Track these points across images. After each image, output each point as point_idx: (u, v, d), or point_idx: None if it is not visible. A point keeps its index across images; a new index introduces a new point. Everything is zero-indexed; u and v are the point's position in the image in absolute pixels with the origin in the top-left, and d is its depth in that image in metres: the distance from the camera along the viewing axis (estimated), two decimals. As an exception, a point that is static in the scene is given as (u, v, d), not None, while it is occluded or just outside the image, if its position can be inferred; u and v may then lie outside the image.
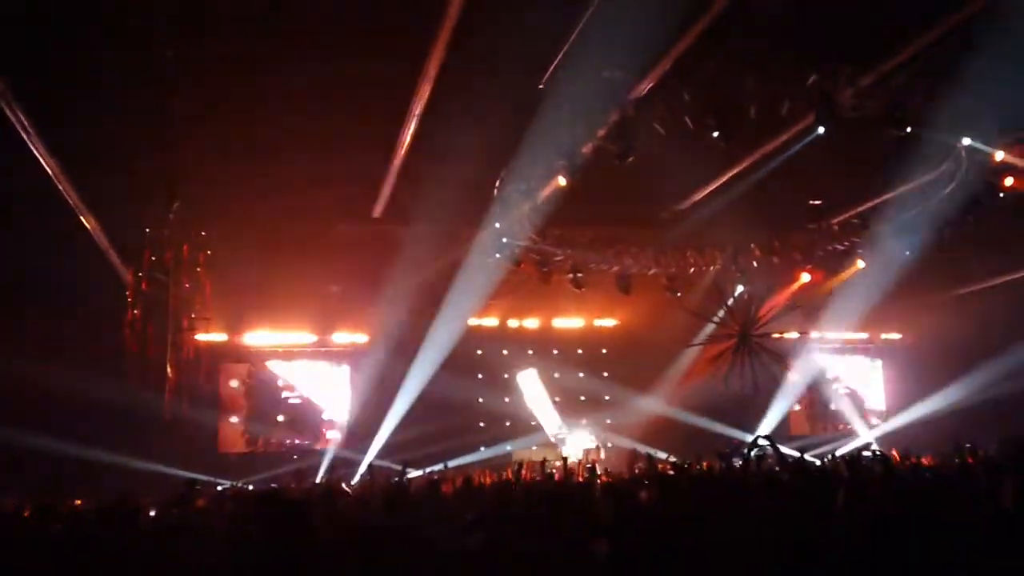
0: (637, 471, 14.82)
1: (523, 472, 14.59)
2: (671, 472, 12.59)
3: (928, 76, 13.76)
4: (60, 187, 14.84)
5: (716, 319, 18.75)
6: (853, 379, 27.67)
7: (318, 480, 17.64)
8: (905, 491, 8.16)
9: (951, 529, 5.81)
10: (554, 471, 15.26)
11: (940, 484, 8.27)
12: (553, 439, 23.40)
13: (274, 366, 22.80)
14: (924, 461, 14.81)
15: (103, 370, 16.68)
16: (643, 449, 18.42)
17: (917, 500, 7.49)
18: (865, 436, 24.97)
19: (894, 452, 16.54)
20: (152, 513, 9.47)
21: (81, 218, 15.99)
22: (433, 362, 20.70)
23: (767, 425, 23.28)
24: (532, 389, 24.23)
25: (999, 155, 16.51)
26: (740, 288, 22.10)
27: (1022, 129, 15.89)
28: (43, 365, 15.47)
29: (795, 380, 24.82)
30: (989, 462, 10.70)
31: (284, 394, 22.69)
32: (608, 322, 25.59)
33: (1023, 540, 5.58)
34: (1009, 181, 17.14)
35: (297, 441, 22.26)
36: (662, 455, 18.31)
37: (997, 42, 12.23)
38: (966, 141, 16.32)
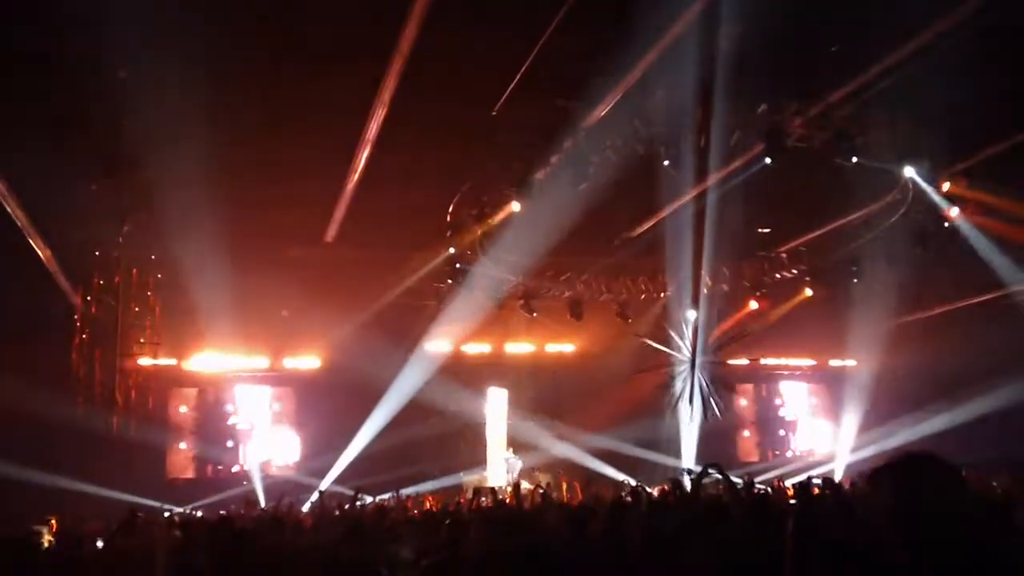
0: (592, 496, 14.83)
1: (475, 500, 14.54)
2: (628, 498, 12.58)
3: (875, 108, 14.05)
4: (8, 208, 14.63)
5: (666, 346, 18.88)
6: (801, 406, 27.90)
7: (267, 506, 17.41)
8: (854, 518, 8.26)
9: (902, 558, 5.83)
10: (506, 497, 15.21)
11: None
12: (505, 463, 23.28)
13: (223, 391, 22.53)
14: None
15: (50, 394, 16.41)
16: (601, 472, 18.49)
17: (866, 527, 7.58)
18: (814, 463, 25.13)
19: (845, 480, 16.67)
20: (99, 542, 9.30)
21: (29, 240, 15.75)
22: (385, 387, 20.59)
23: (714, 452, 23.30)
24: (497, 408, 24.17)
25: (945, 186, 16.85)
26: (690, 315, 22.27)
27: (966, 159, 16.21)
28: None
29: (744, 407, 25.06)
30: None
31: (233, 419, 22.40)
32: (565, 347, 25.44)
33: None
34: (955, 211, 17.48)
35: (246, 467, 21.97)
36: (619, 478, 18.36)
37: (943, 75, 12.53)
38: (912, 172, 16.65)
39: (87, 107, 12.84)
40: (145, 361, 20.41)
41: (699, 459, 21.23)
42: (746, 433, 26.47)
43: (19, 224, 15.16)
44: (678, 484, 10.18)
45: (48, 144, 13.31)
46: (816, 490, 11.17)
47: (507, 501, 14.27)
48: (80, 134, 13.36)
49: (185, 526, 11.54)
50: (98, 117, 13.17)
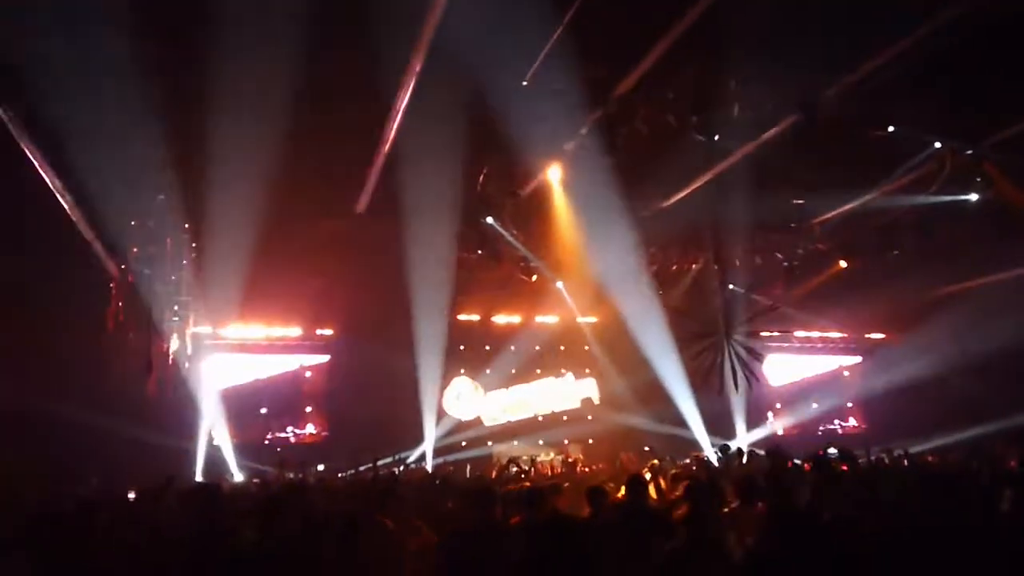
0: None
1: (505, 468, 14.73)
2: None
3: (912, 78, 13.83)
4: (45, 177, 14.78)
5: (697, 318, 18.80)
6: (831, 379, 27.68)
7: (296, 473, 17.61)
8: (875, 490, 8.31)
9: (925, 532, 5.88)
10: (532, 468, 15.38)
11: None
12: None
13: (257, 358, 22.78)
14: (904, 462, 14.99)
15: (86, 363, 16.68)
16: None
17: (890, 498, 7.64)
18: (842, 437, 25.04)
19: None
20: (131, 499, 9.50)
21: (66, 209, 15.92)
22: (414, 356, 20.76)
23: (745, 427, 23.26)
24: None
25: (981, 159, 16.65)
26: (722, 287, 22.15)
27: (1004, 131, 15.96)
28: (25, 358, 15.37)
29: (774, 379, 24.94)
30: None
31: (266, 385, 22.64)
32: (591, 319, 25.34)
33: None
34: (990, 184, 17.27)
35: (279, 433, 22.24)
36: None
37: (981, 46, 12.35)
38: (949, 143, 16.45)
39: (127, 74, 12.88)
40: (180, 330, 20.70)
41: (728, 433, 21.28)
42: (777, 405, 26.32)
43: (56, 193, 15.30)
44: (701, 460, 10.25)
45: (88, 114, 13.45)
46: (835, 464, 11.21)
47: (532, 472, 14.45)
48: (118, 102, 13.39)
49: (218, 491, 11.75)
50: (138, 84, 13.21)
